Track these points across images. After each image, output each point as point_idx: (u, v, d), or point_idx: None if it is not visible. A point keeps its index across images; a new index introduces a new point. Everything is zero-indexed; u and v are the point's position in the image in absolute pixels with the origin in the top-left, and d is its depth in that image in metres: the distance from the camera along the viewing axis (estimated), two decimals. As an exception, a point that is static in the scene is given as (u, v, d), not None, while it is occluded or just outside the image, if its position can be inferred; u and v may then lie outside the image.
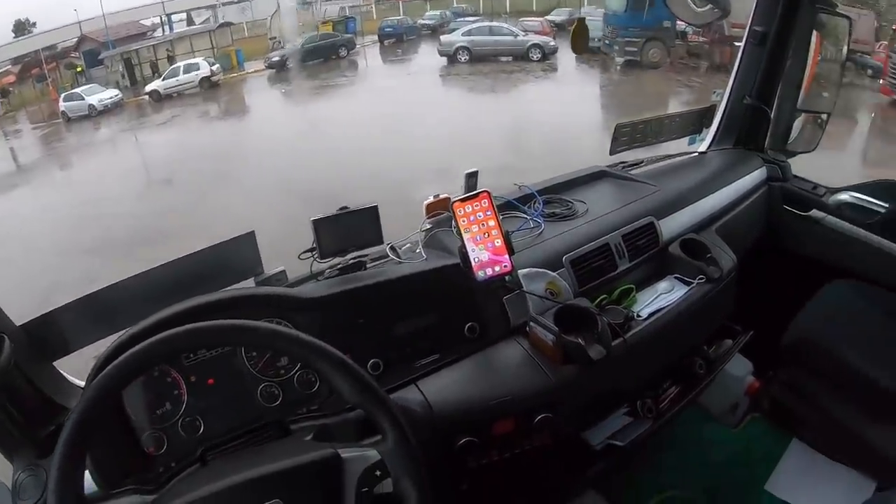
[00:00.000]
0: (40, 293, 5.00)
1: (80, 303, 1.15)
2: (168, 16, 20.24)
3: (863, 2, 10.89)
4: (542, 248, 1.43)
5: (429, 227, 1.47)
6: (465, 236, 1.19)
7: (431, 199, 1.47)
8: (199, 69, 16.73)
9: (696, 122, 2.00)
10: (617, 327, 1.27)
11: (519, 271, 1.25)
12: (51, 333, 1.12)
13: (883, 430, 1.68)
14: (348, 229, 1.29)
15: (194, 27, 20.55)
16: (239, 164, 9.96)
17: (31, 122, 16.24)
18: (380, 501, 0.83)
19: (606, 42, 14.59)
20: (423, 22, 20.25)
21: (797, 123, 1.98)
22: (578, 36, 2.28)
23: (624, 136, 1.81)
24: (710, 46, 14.07)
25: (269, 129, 12.37)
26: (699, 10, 1.73)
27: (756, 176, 1.93)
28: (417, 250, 1.41)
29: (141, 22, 19.78)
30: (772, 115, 1.97)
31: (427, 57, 17.44)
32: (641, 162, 1.91)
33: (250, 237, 1.28)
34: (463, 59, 16.33)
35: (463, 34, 16.62)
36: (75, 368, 1.18)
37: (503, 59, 16.24)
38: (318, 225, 1.26)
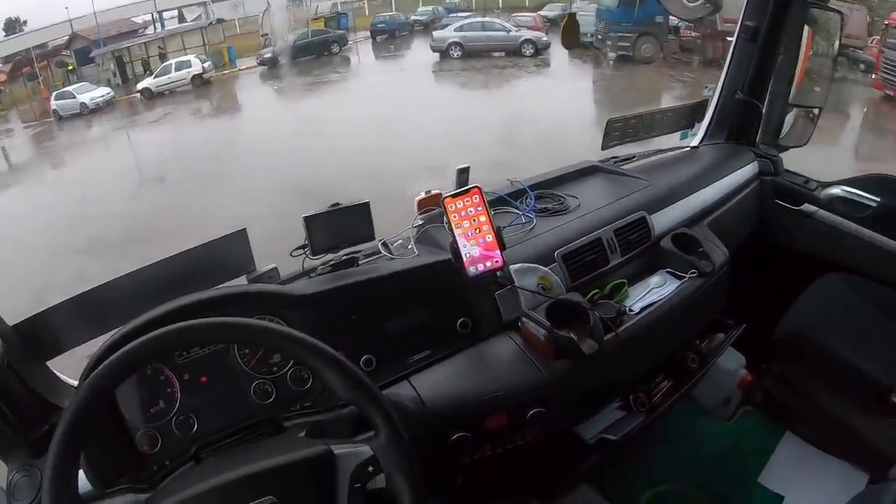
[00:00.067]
0: (33, 293, 4.97)
1: (71, 302, 1.14)
2: (159, 13, 20.06)
3: (855, -3, 10.93)
4: (534, 243, 1.43)
5: (421, 222, 1.47)
6: (457, 232, 1.20)
7: (423, 195, 1.47)
8: (190, 66, 16.57)
9: (688, 116, 2.01)
10: (609, 322, 1.27)
11: (511, 266, 1.26)
12: (43, 333, 1.12)
13: (875, 423, 1.69)
14: (340, 226, 1.29)
15: (186, 24, 20.36)
16: (231, 162, 9.93)
17: (23, 120, 16.05)
18: (373, 497, 0.83)
19: (599, 37, 14.63)
20: (416, 18, 20.07)
21: (789, 118, 1.99)
22: (569, 31, 2.28)
23: (616, 131, 1.81)
24: (703, 41, 14.10)
25: (261, 126, 12.30)
26: (691, 5, 1.74)
27: (748, 170, 1.94)
28: (409, 246, 1.40)
29: (132, 19, 19.55)
30: (763, 110, 1.97)
31: (419, 53, 17.31)
32: (633, 157, 1.92)
33: (242, 234, 1.28)
34: (455, 54, 16.26)
35: (455, 30, 16.56)
36: (68, 368, 1.17)
37: (496, 54, 16.16)
38: (310, 221, 1.26)
